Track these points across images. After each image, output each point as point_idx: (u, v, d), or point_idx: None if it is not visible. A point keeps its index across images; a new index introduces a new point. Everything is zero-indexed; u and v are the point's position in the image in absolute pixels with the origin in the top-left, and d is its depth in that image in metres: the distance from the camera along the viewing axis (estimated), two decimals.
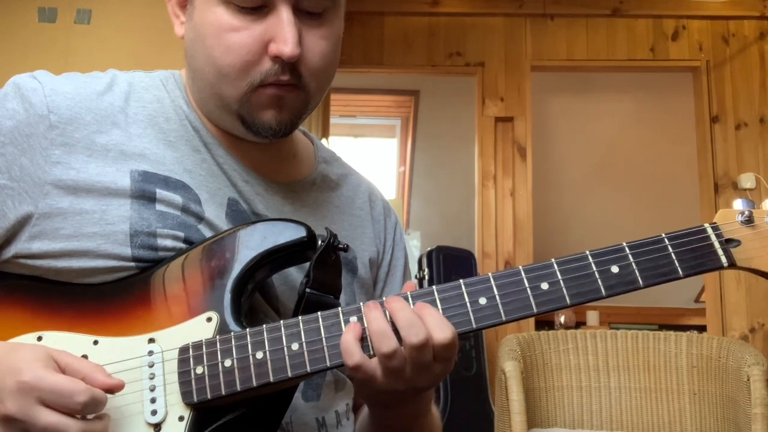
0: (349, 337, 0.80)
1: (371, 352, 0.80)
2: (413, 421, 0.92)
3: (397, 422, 0.92)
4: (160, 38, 2.64)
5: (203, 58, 0.92)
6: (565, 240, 5.13)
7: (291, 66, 0.89)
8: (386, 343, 0.78)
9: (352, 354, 0.79)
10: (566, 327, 4.91)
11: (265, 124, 0.92)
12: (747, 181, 3.95)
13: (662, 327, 4.50)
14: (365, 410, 1.03)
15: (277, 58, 0.88)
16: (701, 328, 4.36)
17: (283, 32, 0.87)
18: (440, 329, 0.79)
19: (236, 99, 0.91)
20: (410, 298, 0.82)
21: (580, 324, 5.05)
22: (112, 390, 0.77)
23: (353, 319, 0.82)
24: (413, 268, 4.12)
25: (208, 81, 0.93)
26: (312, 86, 0.92)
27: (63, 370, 0.76)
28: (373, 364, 0.79)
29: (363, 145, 5.89)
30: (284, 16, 0.87)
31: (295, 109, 0.93)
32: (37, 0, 2.76)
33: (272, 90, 0.90)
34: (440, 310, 0.82)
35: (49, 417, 0.72)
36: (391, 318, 0.80)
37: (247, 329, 0.83)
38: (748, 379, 2.27)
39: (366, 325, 0.80)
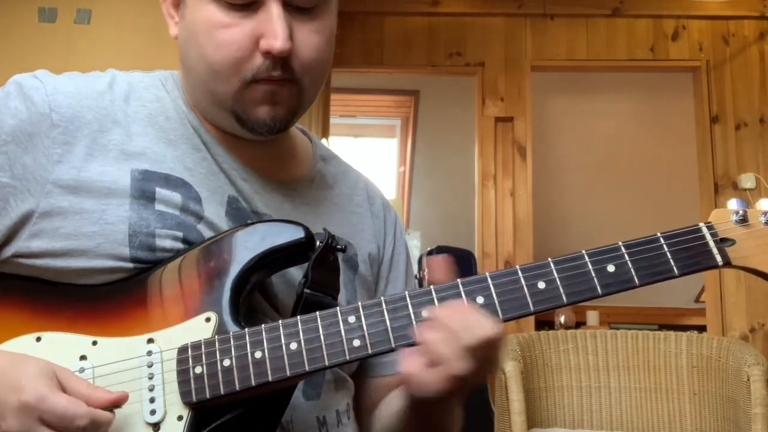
0: (413, 368, 0.79)
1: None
2: (450, 414, 0.92)
3: (444, 417, 0.92)
4: (160, 38, 2.63)
5: (196, 56, 0.92)
6: (565, 240, 5.12)
7: (282, 61, 0.89)
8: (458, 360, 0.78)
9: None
10: (566, 327, 4.91)
11: (259, 120, 0.92)
12: (747, 181, 3.95)
13: (662, 327, 4.49)
14: (394, 409, 1.00)
15: (267, 54, 0.88)
16: (701, 328, 4.35)
17: (272, 27, 0.87)
18: (485, 323, 0.79)
19: (230, 96, 0.91)
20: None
21: (580, 324, 5.04)
22: (117, 402, 0.77)
23: (351, 319, 0.82)
24: (413, 268, 4.12)
25: (201, 79, 0.93)
26: (305, 81, 0.92)
27: (64, 389, 0.76)
28: (440, 380, 0.79)
29: (363, 145, 5.89)
30: (274, 11, 0.88)
31: (290, 104, 0.93)
32: (37, 0, 2.76)
33: (265, 85, 0.90)
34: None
35: None
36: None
37: (246, 329, 0.83)
38: (748, 379, 2.27)
39: (428, 349, 0.79)
